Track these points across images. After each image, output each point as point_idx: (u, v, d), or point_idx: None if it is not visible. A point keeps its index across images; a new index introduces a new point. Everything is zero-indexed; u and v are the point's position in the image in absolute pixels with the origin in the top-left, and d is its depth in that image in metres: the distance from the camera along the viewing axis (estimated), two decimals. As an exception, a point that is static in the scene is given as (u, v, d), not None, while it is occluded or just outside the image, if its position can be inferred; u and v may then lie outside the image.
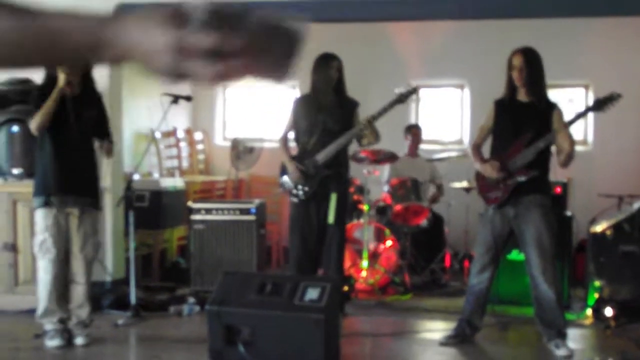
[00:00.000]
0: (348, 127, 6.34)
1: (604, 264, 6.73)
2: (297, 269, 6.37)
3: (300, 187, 6.35)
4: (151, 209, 8.07)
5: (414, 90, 6.26)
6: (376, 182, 8.67)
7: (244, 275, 5.60)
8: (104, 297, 6.83)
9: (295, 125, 6.49)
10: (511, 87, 5.61)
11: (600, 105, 5.45)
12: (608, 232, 6.74)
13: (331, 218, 6.32)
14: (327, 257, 6.45)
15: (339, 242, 6.46)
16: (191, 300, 6.91)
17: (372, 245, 7.83)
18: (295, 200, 6.41)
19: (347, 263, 7.68)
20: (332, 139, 6.27)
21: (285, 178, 6.45)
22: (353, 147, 7.32)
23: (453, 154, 8.44)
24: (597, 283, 6.72)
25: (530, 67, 5.53)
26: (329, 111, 6.33)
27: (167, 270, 8.25)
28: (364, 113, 6.42)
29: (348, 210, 8.00)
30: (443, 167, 8.91)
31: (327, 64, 6.36)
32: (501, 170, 5.55)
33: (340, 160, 6.42)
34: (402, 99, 6.25)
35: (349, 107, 6.42)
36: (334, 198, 6.32)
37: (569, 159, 5.51)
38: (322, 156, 6.28)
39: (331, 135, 6.28)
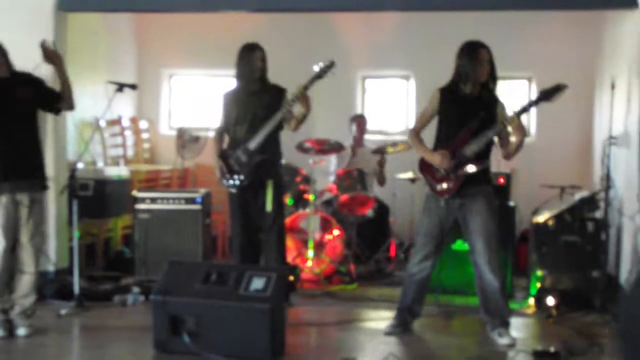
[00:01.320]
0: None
1: (546, 254, 6.81)
2: (241, 258, 6.37)
3: (235, 176, 6.33)
4: (95, 197, 7.97)
5: (332, 64, 6.23)
6: (322, 172, 8.68)
7: (189, 265, 5.56)
8: (47, 286, 6.72)
9: (227, 118, 6.47)
10: (459, 78, 5.63)
11: (547, 95, 5.49)
12: (550, 223, 6.82)
13: (269, 205, 6.31)
14: (268, 245, 6.43)
15: (279, 229, 6.45)
16: (135, 290, 6.84)
17: (317, 235, 7.83)
18: (232, 190, 6.39)
19: (293, 253, 7.67)
20: (261, 126, 6.27)
21: (218, 174, 6.45)
22: (299, 137, 7.31)
23: (397, 143, 8.44)
24: (539, 272, 6.81)
25: (493, 62, 5.59)
26: (257, 98, 6.33)
27: (111, 259, 8.15)
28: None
29: (296, 199, 8.01)
30: (388, 157, 8.93)
31: (251, 54, 6.35)
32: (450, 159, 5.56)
33: (273, 146, 6.40)
34: (322, 73, 6.23)
35: (276, 93, 6.41)
36: (270, 185, 6.32)
37: (517, 150, 5.58)
38: (253, 143, 6.27)
39: (261, 122, 6.28)
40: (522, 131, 5.54)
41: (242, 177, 6.32)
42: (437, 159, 5.61)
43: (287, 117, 6.31)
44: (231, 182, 6.36)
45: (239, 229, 6.43)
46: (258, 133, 6.26)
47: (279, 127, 6.35)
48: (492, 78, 5.64)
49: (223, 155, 6.40)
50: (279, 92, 6.41)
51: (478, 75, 5.55)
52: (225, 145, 6.52)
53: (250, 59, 6.35)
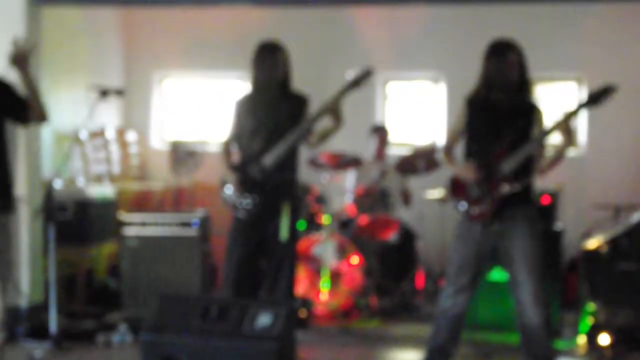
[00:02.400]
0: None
1: (599, 285, 6.79)
2: (235, 291, 6.27)
3: (246, 198, 6.26)
4: (75, 221, 7.99)
5: (369, 72, 6.22)
6: (338, 190, 8.69)
7: (185, 299, 5.57)
8: (19, 324, 6.75)
9: (238, 129, 6.41)
10: (485, 83, 5.64)
11: (594, 99, 5.50)
12: (603, 249, 6.80)
13: (284, 232, 6.21)
14: (276, 277, 6.38)
15: (292, 261, 6.37)
16: (122, 327, 6.86)
17: (333, 264, 7.83)
18: (238, 215, 6.31)
19: (305, 284, 7.68)
20: (279, 140, 6.19)
21: (228, 191, 6.37)
22: (310, 152, 7.31)
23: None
24: (591, 306, 6.79)
25: (522, 65, 5.60)
26: (275, 109, 6.23)
27: (94, 292, 8.17)
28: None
29: (308, 222, 8.02)
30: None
31: (272, 56, 6.26)
32: (480, 170, 5.57)
33: (292, 164, 6.33)
34: (358, 82, 6.21)
35: (298, 103, 6.34)
36: (286, 209, 6.23)
37: (560, 157, 5.60)
38: (269, 159, 6.18)
39: (279, 136, 6.18)
40: (569, 134, 5.55)
41: (251, 199, 6.25)
42: (464, 171, 5.61)
43: (308, 131, 6.27)
44: (240, 204, 6.29)
45: (237, 260, 6.32)
46: (275, 148, 6.18)
47: (300, 142, 6.31)
48: (525, 82, 5.64)
49: (235, 170, 6.33)
50: (303, 101, 6.35)
51: (506, 80, 5.55)
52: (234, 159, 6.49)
53: (271, 61, 6.26)
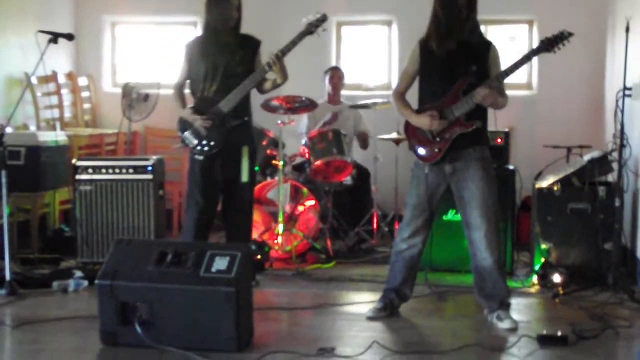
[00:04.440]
0: (252, 70, 6.39)
1: (551, 224, 6.86)
2: (195, 234, 6.36)
3: (205, 141, 6.31)
4: (28, 167, 7.88)
5: (324, 18, 6.26)
6: (292, 133, 8.66)
7: (140, 244, 5.54)
8: (-28, 272, 6.68)
9: (190, 72, 6.45)
10: (439, 27, 5.60)
11: (548, 45, 5.51)
12: (555, 188, 6.86)
13: (245, 175, 6.36)
14: (236, 221, 6.45)
15: (250, 202, 6.49)
16: (78, 274, 6.82)
17: (288, 207, 7.83)
18: (200, 157, 6.37)
19: (260, 228, 7.67)
20: (235, 84, 6.27)
21: (187, 134, 6.40)
22: (264, 95, 7.27)
23: (379, 100, 8.43)
24: (543, 246, 6.85)
25: (474, 5, 5.56)
26: (230, 53, 6.32)
27: (48, 239, 8.10)
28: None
29: (262, 166, 8.00)
30: (369, 115, 8.92)
31: (227, 1, 6.30)
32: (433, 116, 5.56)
33: (247, 108, 6.45)
34: (312, 28, 6.26)
35: (251, 46, 6.42)
36: (246, 152, 6.35)
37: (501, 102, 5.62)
38: (225, 104, 6.26)
39: (234, 80, 6.28)
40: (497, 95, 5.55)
41: (212, 142, 6.30)
42: (424, 121, 5.59)
43: (262, 78, 6.36)
44: (199, 147, 6.34)
45: (198, 201, 6.42)
46: (231, 93, 6.25)
47: (255, 85, 6.39)
48: (475, 24, 5.61)
49: (192, 113, 6.36)
50: (254, 45, 6.42)
51: (457, 23, 5.52)
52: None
53: (225, 7, 6.31)
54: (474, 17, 5.60)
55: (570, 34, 5.49)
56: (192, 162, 6.49)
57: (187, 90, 6.57)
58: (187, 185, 6.55)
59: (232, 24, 6.36)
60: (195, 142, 6.37)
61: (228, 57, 6.33)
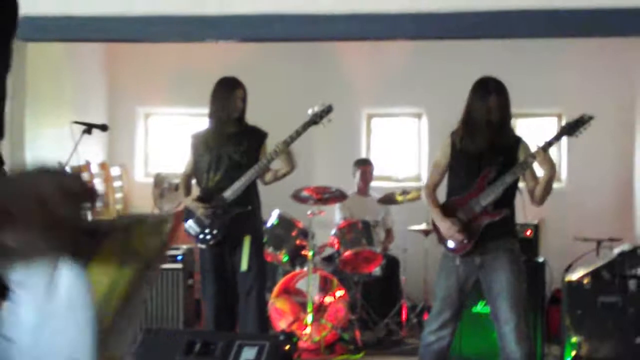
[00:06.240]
0: (256, 161, 6.38)
1: (581, 318, 6.78)
2: (215, 326, 6.32)
3: (207, 230, 6.32)
4: (60, 256, 7.93)
5: (329, 109, 6.31)
6: (322, 224, 8.67)
7: (169, 333, 5.53)
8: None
9: (196, 162, 6.49)
10: (471, 122, 5.63)
11: (569, 129, 5.54)
12: (585, 281, 6.80)
13: (245, 264, 6.27)
14: (245, 310, 6.38)
15: (259, 291, 6.40)
16: (106, 362, 6.79)
17: (317, 297, 7.80)
18: (203, 246, 6.38)
19: (289, 318, 7.64)
20: (239, 174, 6.28)
21: (190, 222, 6.41)
22: (295, 185, 7.32)
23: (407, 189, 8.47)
24: (574, 339, 6.77)
25: (506, 108, 5.60)
26: (232, 142, 6.34)
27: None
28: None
29: (292, 256, 7.99)
30: (397, 206, 8.94)
31: (230, 92, 6.37)
32: (463, 231, 5.54)
33: (252, 197, 6.41)
34: (316, 119, 6.30)
35: (256, 138, 6.44)
36: (247, 241, 6.28)
37: (546, 189, 5.58)
38: (229, 193, 6.27)
39: (237, 171, 6.29)
40: (550, 164, 5.54)
41: (215, 231, 6.30)
42: (445, 227, 5.60)
43: (266, 168, 6.38)
44: (202, 236, 6.35)
45: (213, 294, 6.39)
46: (235, 183, 6.27)
47: (259, 174, 6.40)
48: (507, 122, 5.65)
49: (196, 204, 6.39)
50: (260, 137, 6.45)
51: (489, 120, 5.55)
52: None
53: (230, 97, 6.37)
54: (505, 119, 5.63)
55: (590, 118, 5.51)
56: (200, 252, 6.51)
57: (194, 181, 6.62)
58: (200, 275, 6.55)
59: (236, 115, 6.39)
60: (198, 230, 6.38)
61: (232, 148, 6.34)
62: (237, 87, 6.40)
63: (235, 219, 6.28)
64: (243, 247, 6.29)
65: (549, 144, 5.57)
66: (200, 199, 6.39)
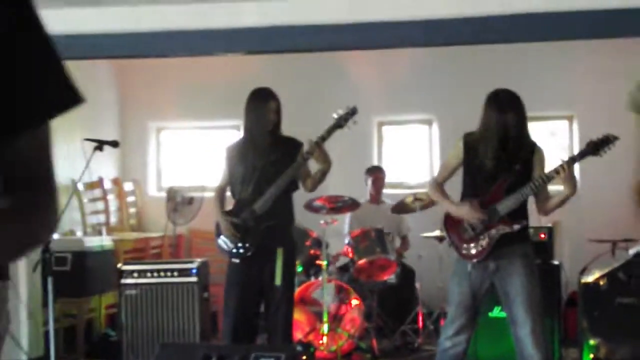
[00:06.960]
0: None
1: (598, 319, 6.76)
2: (232, 339, 6.24)
3: (240, 244, 6.25)
4: (74, 273, 7.95)
5: (354, 111, 6.25)
6: (335, 233, 8.66)
7: (185, 347, 5.53)
8: (20, 379, 6.70)
9: (230, 175, 6.42)
10: (486, 133, 5.60)
11: (594, 148, 5.52)
12: (602, 283, 6.78)
13: (278, 278, 6.18)
14: (274, 323, 6.33)
15: (288, 304, 6.34)
16: (124, 378, 6.81)
17: (333, 307, 7.79)
18: (237, 260, 6.29)
19: (305, 328, 7.63)
20: (270, 185, 6.20)
21: (222, 237, 6.35)
22: (307, 195, 7.31)
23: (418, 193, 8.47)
24: (591, 341, 6.74)
25: (524, 122, 5.59)
26: (267, 156, 6.25)
27: (94, 344, 8.13)
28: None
29: (306, 266, 7.99)
30: (411, 214, 8.94)
31: (265, 105, 6.28)
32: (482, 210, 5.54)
33: (284, 209, 6.32)
34: (341, 122, 6.23)
35: (291, 148, 6.34)
36: (280, 254, 6.19)
37: (562, 204, 5.60)
38: (259, 204, 6.18)
39: (270, 182, 6.20)
40: (573, 183, 5.54)
41: (247, 244, 6.24)
42: (464, 210, 5.58)
43: (302, 176, 6.29)
44: (234, 251, 6.28)
45: (234, 306, 6.30)
46: (267, 193, 6.20)
47: (292, 187, 6.30)
48: (524, 134, 5.64)
49: (228, 217, 6.32)
50: (294, 146, 6.33)
51: (505, 133, 5.53)
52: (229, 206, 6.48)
53: (262, 110, 6.28)
54: (523, 132, 5.62)
55: (615, 138, 5.48)
56: (229, 265, 6.41)
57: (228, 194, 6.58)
58: (225, 288, 6.47)
59: (269, 127, 6.30)
60: (231, 245, 6.30)
61: (265, 159, 6.25)
62: (269, 100, 6.26)
63: (266, 231, 6.24)
64: (276, 260, 6.22)
65: (573, 161, 5.56)
66: (229, 213, 6.33)
